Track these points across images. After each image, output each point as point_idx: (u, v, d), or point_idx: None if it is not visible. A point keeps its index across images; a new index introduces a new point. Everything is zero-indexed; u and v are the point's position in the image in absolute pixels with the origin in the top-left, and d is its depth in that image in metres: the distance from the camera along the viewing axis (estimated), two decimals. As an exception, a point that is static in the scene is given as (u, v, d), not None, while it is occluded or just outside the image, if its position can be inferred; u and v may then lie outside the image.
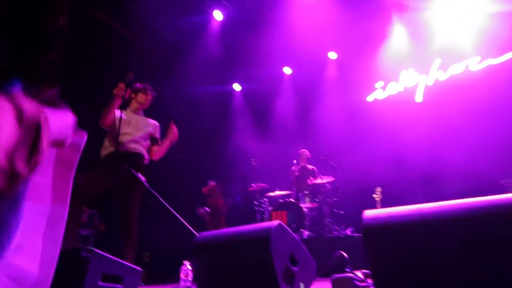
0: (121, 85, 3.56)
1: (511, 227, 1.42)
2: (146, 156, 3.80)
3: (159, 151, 3.83)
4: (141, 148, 3.73)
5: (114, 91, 3.57)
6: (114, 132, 3.55)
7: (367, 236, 1.74)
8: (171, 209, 3.09)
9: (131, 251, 3.30)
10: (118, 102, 3.54)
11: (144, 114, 3.96)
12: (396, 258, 1.65)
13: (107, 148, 3.65)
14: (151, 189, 3.24)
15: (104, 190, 3.46)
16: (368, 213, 1.85)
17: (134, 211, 3.49)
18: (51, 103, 0.92)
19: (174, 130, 3.83)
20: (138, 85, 3.88)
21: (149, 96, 3.89)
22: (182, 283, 2.59)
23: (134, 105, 3.85)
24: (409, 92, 7.44)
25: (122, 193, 3.46)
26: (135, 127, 3.73)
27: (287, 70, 8.91)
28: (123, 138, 3.59)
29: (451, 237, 1.55)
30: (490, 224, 1.48)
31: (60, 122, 0.91)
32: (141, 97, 3.84)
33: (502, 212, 1.45)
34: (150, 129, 3.83)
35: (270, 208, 6.38)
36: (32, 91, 0.87)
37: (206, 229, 4.73)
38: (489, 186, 4.43)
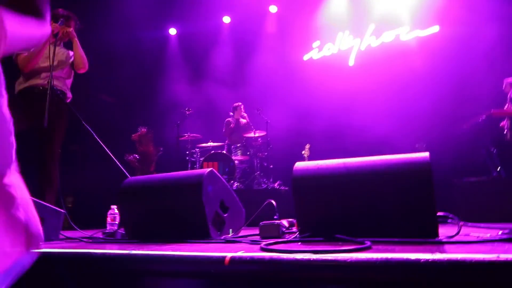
0: (54, 27, 3.22)
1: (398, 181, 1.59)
2: (69, 94, 3.54)
3: (79, 61, 3.48)
4: (61, 84, 3.46)
5: (52, 28, 3.22)
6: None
7: (296, 185, 1.82)
8: (106, 148, 2.95)
9: (51, 194, 3.14)
10: (45, 47, 3.21)
11: (64, 46, 3.62)
12: (320, 205, 1.76)
13: (21, 83, 3.34)
14: (86, 126, 3.04)
15: (22, 128, 3.19)
16: (299, 164, 1.93)
17: (55, 151, 3.28)
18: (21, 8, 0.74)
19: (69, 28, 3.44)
20: (60, 11, 3.48)
21: (73, 29, 3.47)
22: (108, 227, 2.55)
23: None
24: (343, 55, 7.65)
25: (41, 131, 3.19)
26: (57, 61, 3.39)
27: (226, 19, 8.65)
28: (41, 73, 3.30)
29: (366, 186, 1.69)
30: (389, 177, 1.65)
31: (22, 30, 0.73)
32: (63, 28, 3.41)
33: (394, 169, 1.64)
34: (69, 63, 3.56)
35: (201, 159, 6.39)
36: None
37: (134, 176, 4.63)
38: (404, 148, 4.80)
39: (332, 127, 6.76)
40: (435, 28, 6.77)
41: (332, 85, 7.21)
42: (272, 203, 2.23)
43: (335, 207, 1.74)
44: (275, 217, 2.23)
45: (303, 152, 5.64)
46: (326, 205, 1.76)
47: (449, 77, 6.14)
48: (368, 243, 1.29)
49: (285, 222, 2.29)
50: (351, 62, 7.54)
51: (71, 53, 3.59)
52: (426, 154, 1.65)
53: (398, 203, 1.61)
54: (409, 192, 1.60)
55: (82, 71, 3.55)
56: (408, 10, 7.10)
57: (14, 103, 2.86)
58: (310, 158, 5.63)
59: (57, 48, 3.43)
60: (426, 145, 5.38)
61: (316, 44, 7.97)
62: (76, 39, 3.47)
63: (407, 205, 1.60)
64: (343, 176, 1.76)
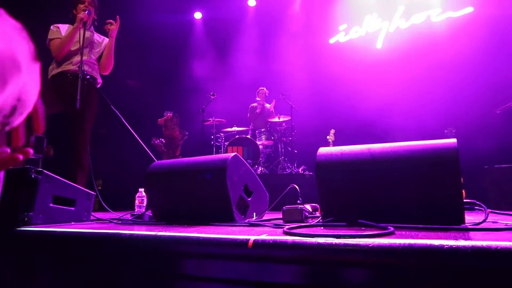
0: (83, 15, 3.30)
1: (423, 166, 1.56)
2: (99, 79, 3.62)
3: (107, 61, 3.58)
4: (92, 70, 3.54)
5: (80, 16, 3.31)
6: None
7: (320, 170, 1.82)
8: (133, 132, 3.02)
9: (82, 177, 3.25)
10: (76, 31, 3.29)
11: (95, 29, 3.69)
12: (343, 191, 1.76)
13: (54, 68, 3.44)
14: (115, 109, 3.12)
15: (56, 111, 3.30)
16: (323, 149, 1.93)
17: (86, 135, 3.39)
18: None
19: (115, 26, 3.51)
20: None
21: (86, 3, 3.51)
22: (136, 209, 2.62)
23: (79, 19, 3.47)
24: (371, 38, 7.48)
25: (72, 116, 3.29)
26: (88, 47, 3.49)
27: (251, 2, 8.58)
28: (73, 59, 3.38)
29: (391, 172, 1.67)
30: (414, 163, 1.62)
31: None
32: (79, 8, 3.49)
33: (418, 155, 1.60)
34: (102, 49, 3.62)
35: (226, 143, 6.45)
36: None
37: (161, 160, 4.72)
38: (433, 134, 4.69)
39: (358, 112, 6.66)
40: (469, 9, 6.50)
41: (359, 69, 7.08)
42: (295, 187, 2.24)
43: (358, 192, 1.73)
44: (298, 201, 2.24)
45: (327, 137, 5.60)
46: (350, 191, 1.75)
47: (482, 61, 5.92)
48: (391, 229, 1.29)
49: (308, 207, 2.30)
50: (379, 45, 7.36)
51: (105, 40, 3.65)
52: (453, 141, 1.62)
53: (424, 190, 1.59)
54: (435, 178, 1.57)
55: (104, 73, 3.63)
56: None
57: (46, 88, 2.98)
58: (335, 143, 5.59)
59: (89, 34, 3.52)
60: (456, 130, 5.24)
61: (343, 27, 7.81)
62: (113, 41, 3.53)
63: (433, 191, 1.58)
64: (367, 162, 1.74)
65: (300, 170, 6.00)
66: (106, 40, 3.65)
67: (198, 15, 8.94)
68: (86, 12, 3.37)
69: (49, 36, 3.45)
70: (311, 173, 5.62)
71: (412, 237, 1.10)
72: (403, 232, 1.31)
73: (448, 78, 6.20)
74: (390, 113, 6.36)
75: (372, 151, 1.79)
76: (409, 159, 1.64)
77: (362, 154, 1.79)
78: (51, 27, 3.51)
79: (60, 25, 3.51)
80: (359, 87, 6.90)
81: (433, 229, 1.44)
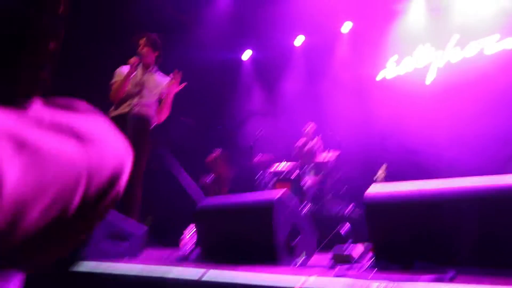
0: (134, 60, 3.49)
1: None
2: (154, 120, 3.75)
3: (163, 110, 3.70)
4: (149, 109, 3.66)
5: (129, 61, 3.50)
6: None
7: (370, 209, 1.76)
8: (183, 171, 3.10)
9: (135, 212, 3.34)
10: (131, 73, 3.47)
11: (157, 69, 3.81)
12: (397, 230, 1.68)
13: (112, 111, 3.60)
14: (163, 151, 3.23)
15: None
16: (373, 187, 1.87)
17: (139, 173, 3.50)
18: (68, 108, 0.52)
19: (175, 81, 3.64)
20: (132, 39, 3.73)
21: (142, 45, 3.67)
22: (185, 247, 2.65)
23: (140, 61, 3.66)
24: (422, 71, 7.32)
25: None
26: (144, 88, 3.63)
27: (299, 40, 8.76)
28: (130, 101, 3.54)
29: (450, 211, 1.57)
30: (476, 202, 1.51)
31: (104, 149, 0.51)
32: (138, 51, 3.66)
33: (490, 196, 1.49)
34: (160, 90, 3.73)
35: (274, 180, 6.43)
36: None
37: (209, 197, 4.78)
38: (490, 172, 4.42)
39: (408, 148, 6.43)
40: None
41: (408, 104, 6.90)
42: (346, 226, 2.17)
43: (413, 232, 1.64)
44: (349, 241, 2.16)
45: (378, 173, 5.42)
46: (404, 230, 1.67)
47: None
48: (451, 273, 1.20)
49: (359, 247, 2.21)
50: (431, 77, 7.18)
51: (163, 81, 3.77)
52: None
53: (487, 229, 1.48)
54: (500, 218, 1.46)
55: (159, 120, 3.76)
56: (494, 16, 6.58)
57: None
58: (386, 180, 5.39)
59: (146, 75, 3.70)
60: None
61: (391, 60, 7.73)
62: (171, 96, 3.68)
63: (498, 232, 1.46)
64: (422, 200, 1.66)
65: (350, 208, 5.82)
66: (167, 80, 3.76)
67: (246, 55, 9.25)
68: (135, 58, 3.55)
69: (113, 79, 3.66)
70: (361, 212, 5.43)
71: (476, 282, 1.02)
72: (466, 277, 1.22)
73: (502, 113, 5.88)
74: (442, 149, 6.09)
75: (426, 188, 1.71)
76: (470, 198, 1.54)
77: (416, 191, 1.71)
78: (116, 70, 3.71)
79: (123, 68, 3.65)
80: (409, 123, 6.70)
81: (499, 272, 1.32)
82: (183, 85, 3.74)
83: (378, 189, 1.81)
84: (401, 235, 1.66)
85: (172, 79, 3.66)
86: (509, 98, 5.92)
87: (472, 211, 1.53)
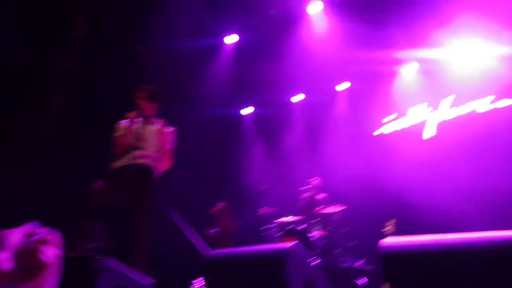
0: (133, 114, 3.59)
1: None
2: (157, 170, 3.75)
3: (162, 161, 3.72)
4: (150, 162, 3.67)
5: (128, 115, 3.59)
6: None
7: (386, 263, 1.71)
8: (185, 225, 3.06)
9: (141, 265, 3.25)
10: (131, 126, 3.54)
11: (156, 121, 3.86)
12: (414, 284, 1.61)
13: (115, 162, 3.63)
14: (165, 206, 3.21)
15: (115, 201, 3.45)
16: (387, 240, 1.82)
17: (145, 224, 3.46)
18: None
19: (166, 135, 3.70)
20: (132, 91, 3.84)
21: (140, 98, 3.76)
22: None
23: (140, 113, 3.75)
24: (418, 128, 7.48)
25: (133, 205, 3.40)
26: (145, 140, 3.66)
27: (298, 97, 9.04)
28: (133, 153, 3.55)
29: (470, 267, 1.52)
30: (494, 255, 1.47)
31: None
32: (136, 104, 3.76)
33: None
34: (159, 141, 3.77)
35: (279, 234, 6.29)
36: None
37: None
38: (501, 227, 4.33)
39: (413, 201, 6.37)
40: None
41: (406, 158, 6.99)
42: (363, 280, 2.09)
43: (432, 286, 1.58)
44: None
45: (387, 227, 5.31)
46: (422, 284, 1.60)
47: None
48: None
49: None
50: (427, 135, 7.30)
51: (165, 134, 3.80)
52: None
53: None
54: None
55: (161, 170, 3.79)
56: (486, 78, 6.79)
57: (110, 179, 3.16)
58: (395, 234, 5.28)
59: (146, 127, 3.75)
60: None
61: (388, 118, 7.94)
62: (166, 146, 3.72)
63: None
64: (441, 253, 1.62)
65: (360, 263, 5.64)
66: (167, 130, 3.80)
67: (247, 111, 9.47)
68: (135, 111, 3.64)
69: (114, 133, 3.72)
70: (373, 267, 5.27)
71: None
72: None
73: (496, 168, 5.90)
74: (446, 203, 6.03)
75: (442, 241, 1.67)
76: (494, 252, 1.49)
77: (433, 245, 1.67)
78: (116, 124, 3.79)
79: (123, 122, 3.75)
80: (412, 177, 6.71)
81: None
82: (172, 131, 3.77)
83: (394, 240, 1.77)
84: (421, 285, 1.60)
85: (161, 128, 3.69)
86: (509, 152, 5.96)
87: (489, 265, 1.49)
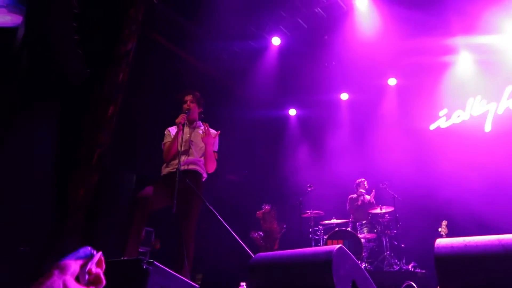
0: (181, 118, 3.64)
1: None
2: (204, 174, 3.80)
3: (208, 164, 3.75)
4: (197, 167, 3.73)
5: (176, 121, 3.65)
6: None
7: (441, 264, 1.60)
8: (229, 229, 3.06)
9: (186, 269, 3.30)
10: (179, 133, 3.59)
11: (200, 125, 3.90)
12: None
13: (164, 168, 3.71)
14: (210, 207, 3.23)
15: (164, 205, 3.52)
16: (441, 241, 1.72)
17: (191, 229, 3.50)
18: None
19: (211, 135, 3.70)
20: (178, 96, 3.91)
21: (188, 102, 3.81)
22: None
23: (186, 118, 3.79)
24: (476, 121, 7.00)
25: (180, 210, 3.44)
26: (191, 146, 3.73)
27: (344, 96, 8.79)
28: (180, 159, 3.58)
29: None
30: None
31: None
32: (184, 108, 3.80)
33: None
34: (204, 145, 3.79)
35: (325, 237, 6.18)
36: None
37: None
38: None
39: (469, 201, 5.99)
40: None
41: (466, 154, 6.55)
42: (412, 285, 1.99)
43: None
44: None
45: (439, 229, 5.06)
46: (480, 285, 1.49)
47: None
48: None
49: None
50: (487, 128, 6.81)
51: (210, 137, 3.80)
52: None
53: None
54: None
55: (208, 172, 3.82)
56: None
57: (159, 184, 3.22)
58: (448, 236, 5.01)
59: (193, 132, 3.81)
60: None
61: (443, 112, 7.49)
62: (208, 147, 3.73)
63: None
64: (499, 255, 1.50)
65: (410, 267, 5.41)
66: (211, 133, 3.81)
67: (292, 112, 9.36)
68: (185, 113, 3.69)
69: (163, 140, 3.82)
70: (423, 271, 5.03)
71: None
72: None
73: None
74: (506, 201, 5.64)
75: (504, 242, 1.54)
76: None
77: (492, 245, 1.54)
78: (166, 130, 3.88)
79: (171, 128, 3.85)
80: (468, 174, 6.31)
81: None
82: (217, 133, 3.79)
83: (449, 242, 1.66)
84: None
85: (206, 131, 3.71)
86: None
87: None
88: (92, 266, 0.88)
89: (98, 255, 0.91)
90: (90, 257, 0.88)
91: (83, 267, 0.86)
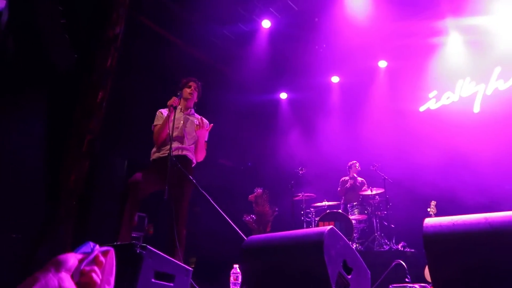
0: (173, 100, 3.60)
1: None
2: (194, 161, 3.81)
3: (198, 152, 3.78)
4: (188, 152, 3.73)
5: (168, 103, 3.61)
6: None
7: (430, 244, 1.64)
8: (222, 212, 3.09)
9: (179, 253, 3.32)
10: (171, 116, 3.56)
11: (195, 109, 3.92)
12: (461, 267, 1.55)
13: (154, 152, 3.68)
14: (202, 191, 3.24)
15: (156, 190, 3.52)
16: (430, 220, 1.75)
17: (183, 214, 3.52)
18: None
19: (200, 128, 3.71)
20: (182, 80, 3.91)
21: (192, 88, 3.84)
22: (231, 286, 2.58)
23: (182, 103, 3.82)
24: (465, 102, 7.07)
25: (172, 194, 3.44)
26: (184, 132, 3.72)
27: (335, 79, 8.78)
28: (172, 144, 3.55)
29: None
30: None
31: None
32: (185, 92, 3.83)
33: None
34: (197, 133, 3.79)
35: (317, 219, 6.26)
36: None
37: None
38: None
39: (457, 182, 6.09)
40: None
41: (455, 135, 6.63)
42: (401, 264, 2.04)
43: (477, 268, 1.51)
44: (406, 279, 2.02)
45: (428, 209, 5.15)
46: (467, 266, 1.54)
47: None
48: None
49: (417, 287, 2.05)
50: (476, 109, 6.88)
51: (203, 121, 3.81)
52: None
53: None
54: None
55: (197, 160, 3.83)
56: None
57: (150, 169, 3.22)
58: (437, 216, 5.10)
59: (186, 118, 3.79)
60: None
61: (433, 94, 7.54)
62: (201, 139, 3.75)
63: None
64: (485, 233, 1.54)
65: (399, 246, 5.52)
66: (204, 121, 3.81)
67: (283, 95, 9.34)
68: (178, 96, 3.67)
69: (154, 122, 3.78)
70: (412, 250, 5.14)
71: None
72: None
73: None
74: (496, 181, 5.74)
75: (490, 220, 1.58)
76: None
77: (479, 224, 1.59)
78: (157, 112, 3.85)
79: (163, 110, 3.80)
80: (457, 155, 6.40)
81: None
82: (210, 126, 3.79)
83: (437, 221, 1.70)
84: (463, 270, 1.53)
85: (200, 122, 3.71)
86: None
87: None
88: (87, 266, 0.88)
89: (96, 252, 0.91)
90: (89, 253, 0.88)
91: (81, 262, 0.86)
